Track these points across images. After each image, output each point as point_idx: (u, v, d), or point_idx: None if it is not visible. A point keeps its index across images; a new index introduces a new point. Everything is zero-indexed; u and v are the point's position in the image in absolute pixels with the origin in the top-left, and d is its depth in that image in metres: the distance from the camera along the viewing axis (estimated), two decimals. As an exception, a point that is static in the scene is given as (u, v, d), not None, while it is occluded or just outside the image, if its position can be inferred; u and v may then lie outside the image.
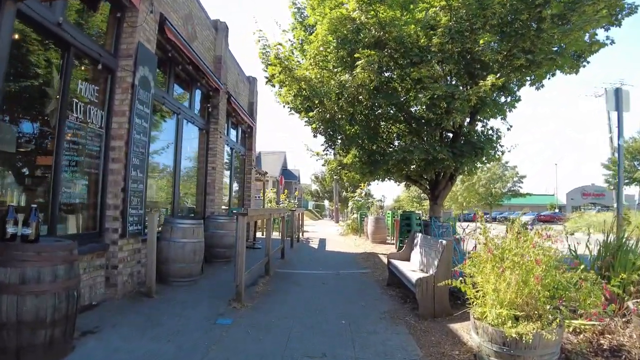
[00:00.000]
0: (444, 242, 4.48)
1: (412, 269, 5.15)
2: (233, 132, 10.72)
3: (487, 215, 44.51)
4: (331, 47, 6.76)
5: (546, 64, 6.22)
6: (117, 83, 4.76)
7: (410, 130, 8.54)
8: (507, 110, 7.58)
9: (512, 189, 40.19)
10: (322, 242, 13.36)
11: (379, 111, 8.28)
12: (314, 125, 7.66)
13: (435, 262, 4.63)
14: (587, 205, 56.41)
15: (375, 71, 5.94)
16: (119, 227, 4.60)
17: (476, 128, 8.37)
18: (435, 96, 5.67)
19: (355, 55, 6.09)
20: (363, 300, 5.00)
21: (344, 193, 37.37)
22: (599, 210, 39.95)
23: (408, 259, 5.78)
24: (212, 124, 8.19)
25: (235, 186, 11.45)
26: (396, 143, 9.02)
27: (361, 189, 16.97)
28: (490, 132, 7.77)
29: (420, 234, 5.56)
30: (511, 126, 7.78)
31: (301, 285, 5.84)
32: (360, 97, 6.75)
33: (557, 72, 7.61)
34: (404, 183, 11.06)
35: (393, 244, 12.06)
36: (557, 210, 53.07)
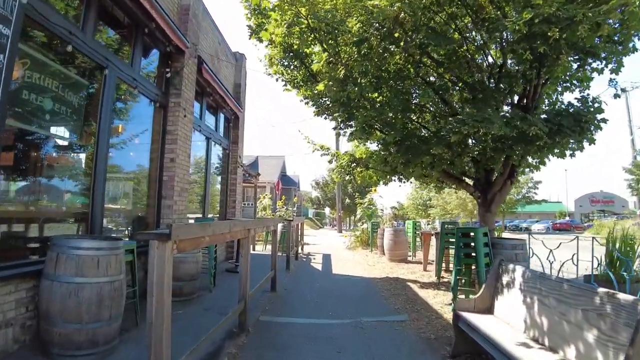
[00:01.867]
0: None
1: (518, 339, 2.61)
2: (211, 118, 8.22)
3: (499, 224, 41.79)
4: None
5: None
6: None
7: (452, 110, 6.06)
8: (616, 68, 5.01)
9: (526, 195, 37.45)
10: (327, 259, 10.79)
11: (403, 90, 5.82)
12: (320, 87, 5.03)
13: (589, 338, 2.12)
14: (596, 213, 53.75)
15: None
16: None
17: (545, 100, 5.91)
18: (537, 20, 3.23)
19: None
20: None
21: (347, 200, 34.86)
22: (619, 217, 37.38)
23: (490, 311, 3.25)
24: (173, 96, 5.70)
25: (216, 189, 8.93)
26: (422, 131, 6.55)
27: (372, 192, 14.40)
28: (579, 103, 5.11)
29: (519, 267, 3.03)
30: (623, 89, 5.18)
31: (299, 357, 3.29)
32: (397, 33, 4.10)
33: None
34: (434, 185, 8.57)
35: (417, 262, 9.51)
36: (568, 218, 50.33)
